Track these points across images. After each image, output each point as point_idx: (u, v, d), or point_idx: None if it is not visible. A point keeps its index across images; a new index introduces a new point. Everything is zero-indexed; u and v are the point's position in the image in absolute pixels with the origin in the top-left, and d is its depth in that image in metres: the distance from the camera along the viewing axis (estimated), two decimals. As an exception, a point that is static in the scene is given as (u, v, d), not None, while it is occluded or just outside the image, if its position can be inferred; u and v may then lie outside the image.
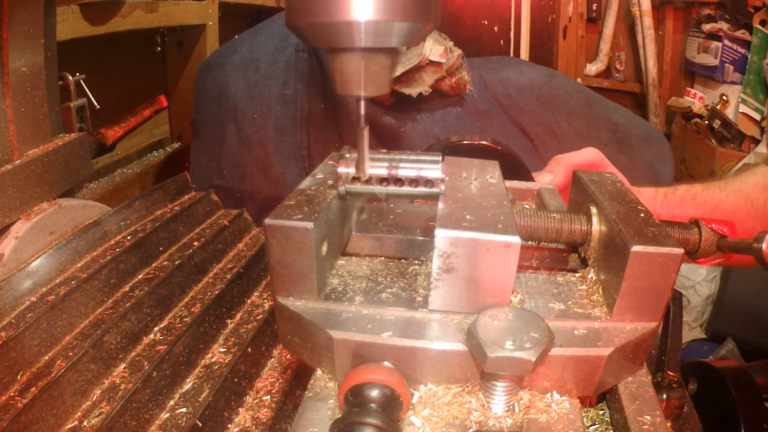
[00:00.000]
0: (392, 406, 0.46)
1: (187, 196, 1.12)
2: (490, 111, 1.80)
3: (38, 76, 0.95)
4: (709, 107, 3.37)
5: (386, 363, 0.48)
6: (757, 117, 3.09)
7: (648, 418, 0.49)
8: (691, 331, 2.51)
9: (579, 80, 3.89)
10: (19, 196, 0.89)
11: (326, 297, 0.53)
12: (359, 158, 0.53)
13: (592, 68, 4.12)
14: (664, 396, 0.63)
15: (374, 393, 0.45)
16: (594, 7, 4.04)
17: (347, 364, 0.49)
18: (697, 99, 3.51)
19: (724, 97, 3.28)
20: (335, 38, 0.46)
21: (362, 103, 0.51)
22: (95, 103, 1.57)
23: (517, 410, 0.48)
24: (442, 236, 0.48)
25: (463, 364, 0.48)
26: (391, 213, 0.70)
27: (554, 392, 0.50)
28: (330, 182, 0.58)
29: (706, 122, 3.32)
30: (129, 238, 0.94)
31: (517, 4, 3.72)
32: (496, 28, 3.73)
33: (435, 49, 1.58)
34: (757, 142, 3.07)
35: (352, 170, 0.54)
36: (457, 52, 1.66)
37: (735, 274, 2.43)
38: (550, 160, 1.73)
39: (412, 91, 1.60)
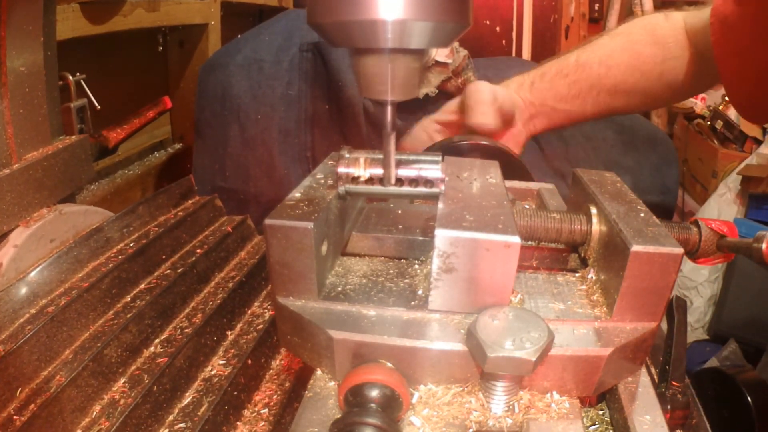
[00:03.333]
0: (392, 406, 0.46)
1: (190, 201, 1.10)
2: (495, 112, 1.79)
3: (37, 76, 0.93)
4: (711, 108, 3.37)
5: (386, 363, 0.48)
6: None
7: (648, 418, 0.49)
8: (694, 332, 2.50)
9: (581, 81, 3.88)
10: (17, 202, 0.86)
11: (326, 297, 0.53)
12: (385, 164, 0.53)
13: (594, 68, 4.11)
14: (669, 407, 0.63)
15: (374, 393, 0.45)
16: (596, 8, 4.04)
17: (347, 364, 0.49)
18: (699, 100, 3.50)
19: (726, 98, 3.28)
20: (360, 38, 0.44)
21: (389, 108, 0.49)
22: (96, 104, 1.57)
23: (517, 410, 0.48)
24: (442, 236, 0.48)
25: (463, 364, 0.48)
26: (391, 213, 0.70)
27: (554, 392, 0.50)
28: (330, 182, 0.58)
29: (708, 123, 3.32)
30: (132, 245, 0.92)
31: (519, 5, 3.71)
32: (498, 28, 3.73)
33: (441, 49, 1.58)
34: (759, 142, 3.07)
35: (351, 170, 0.54)
36: (463, 52, 1.66)
37: (737, 276, 2.42)
38: (556, 162, 1.72)
39: (419, 92, 1.60)
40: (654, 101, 1.25)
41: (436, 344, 0.48)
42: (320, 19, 0.45)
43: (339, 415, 0.46)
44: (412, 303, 0.53)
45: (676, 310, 0.66)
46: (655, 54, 1.14)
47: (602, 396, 0.56)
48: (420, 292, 0.55)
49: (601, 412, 0.55)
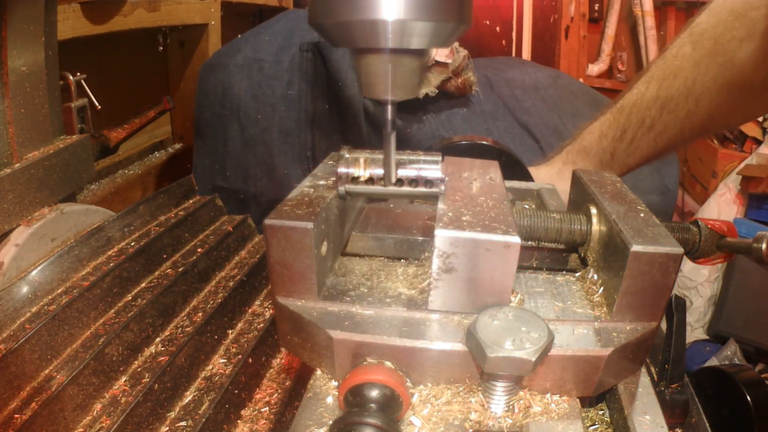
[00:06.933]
0: (392, 406, 0.46)
1: (191, 201, 1.11)
2: (495, 112, 1.79)
3: (38, 76, 0.94)
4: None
5: (386, 363, 0.48)
6: (759, 118, 3.08)
7: (648, 417, 0.49)
8: (694, 332, 2.50)
9: (581, 80, 3.89)
10: (19, 202, 0.86)
11: (326, 297, 0.53)
12: (386, 164, 0.53)
13: (594, 69, 4.11)
14: (668, 406, 0.63)
15: (374, 393, 0.45)
16: (596, 8, 4.03)
17: (347, 364, 0.49)
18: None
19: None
20: (361, 38, 0.44)
21: (389, 108, 0.49)
22: (96, 104, 1.57)
23: (516, 410, 0.48)
24: (442, 236, 0.48)
25: (463, 364, 0.48)
26: (391, 213, 0.70)
27: (554, 392, 0.50)
28: (330, 182, 0.58)
29: (709, 123, 3.30)
30: (133, 244, 0.92)
31: (519, 5, 3.72)
32: (498, 29, 3.73)
33: (441, 49, 1.58)
34: (759, 142, 3.07)
35: (351, 170, 0.54)
36: (463, 52, 1.66)
37: (737, 276, 2.42)
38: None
39: (419, 92, 1.60)
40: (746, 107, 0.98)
41: (436, 344, 0.48)
42: (321, 19, 0.45)
43: (339, 415, 0.46)
44: (412, 303, 0.53)
45: (675, 309, 0.66)
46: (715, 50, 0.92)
47: (602, 396, 0.56)
48: (420, 292, 0.55)
49: (601, 412, 0.55)
